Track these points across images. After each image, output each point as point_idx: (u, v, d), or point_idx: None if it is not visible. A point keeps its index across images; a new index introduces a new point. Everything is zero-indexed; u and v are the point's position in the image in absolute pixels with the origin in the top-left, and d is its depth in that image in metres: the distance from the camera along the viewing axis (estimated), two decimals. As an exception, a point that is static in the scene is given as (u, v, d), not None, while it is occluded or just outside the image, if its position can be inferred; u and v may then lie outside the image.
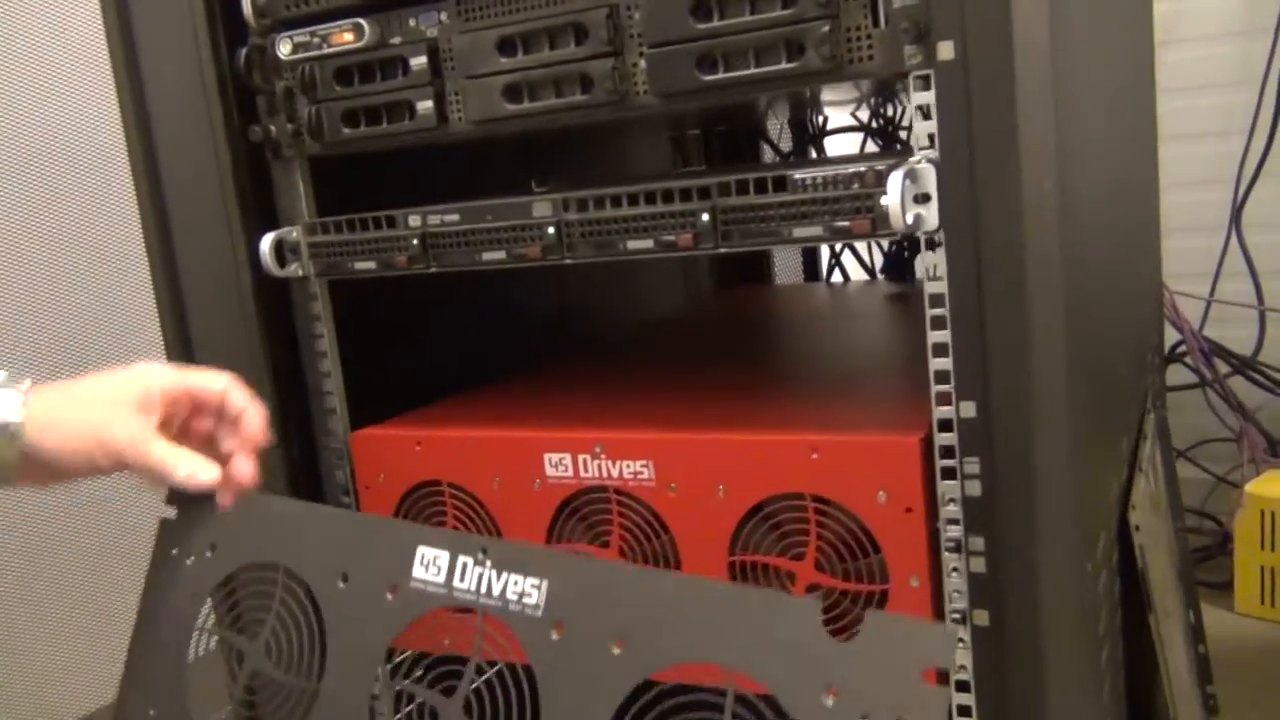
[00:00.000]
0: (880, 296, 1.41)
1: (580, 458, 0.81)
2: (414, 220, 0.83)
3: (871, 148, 1.52)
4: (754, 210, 0.70)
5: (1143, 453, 1.04)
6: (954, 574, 0.70)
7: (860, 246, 1.68)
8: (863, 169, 0.67)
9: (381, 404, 0.93)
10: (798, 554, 0.75)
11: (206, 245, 0.89)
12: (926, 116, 0.65)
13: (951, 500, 0.69)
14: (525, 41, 0.76)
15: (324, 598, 0.70)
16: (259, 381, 0.85)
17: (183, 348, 0.91)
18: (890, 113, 1.46)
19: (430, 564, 0.67)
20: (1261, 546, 1.49)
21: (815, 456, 0.73)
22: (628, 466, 0.79)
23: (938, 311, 0.67)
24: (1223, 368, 1.70)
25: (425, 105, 0.80)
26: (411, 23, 0.80)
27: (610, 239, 0.75)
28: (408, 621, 0.68)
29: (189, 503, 0.74)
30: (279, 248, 0.87)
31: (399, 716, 0.87)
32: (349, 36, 0.81)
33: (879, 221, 0.66)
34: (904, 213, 0.64)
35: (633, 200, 0.74)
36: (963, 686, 0.71)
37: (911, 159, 0.65)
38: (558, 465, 0.82)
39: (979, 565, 0.68)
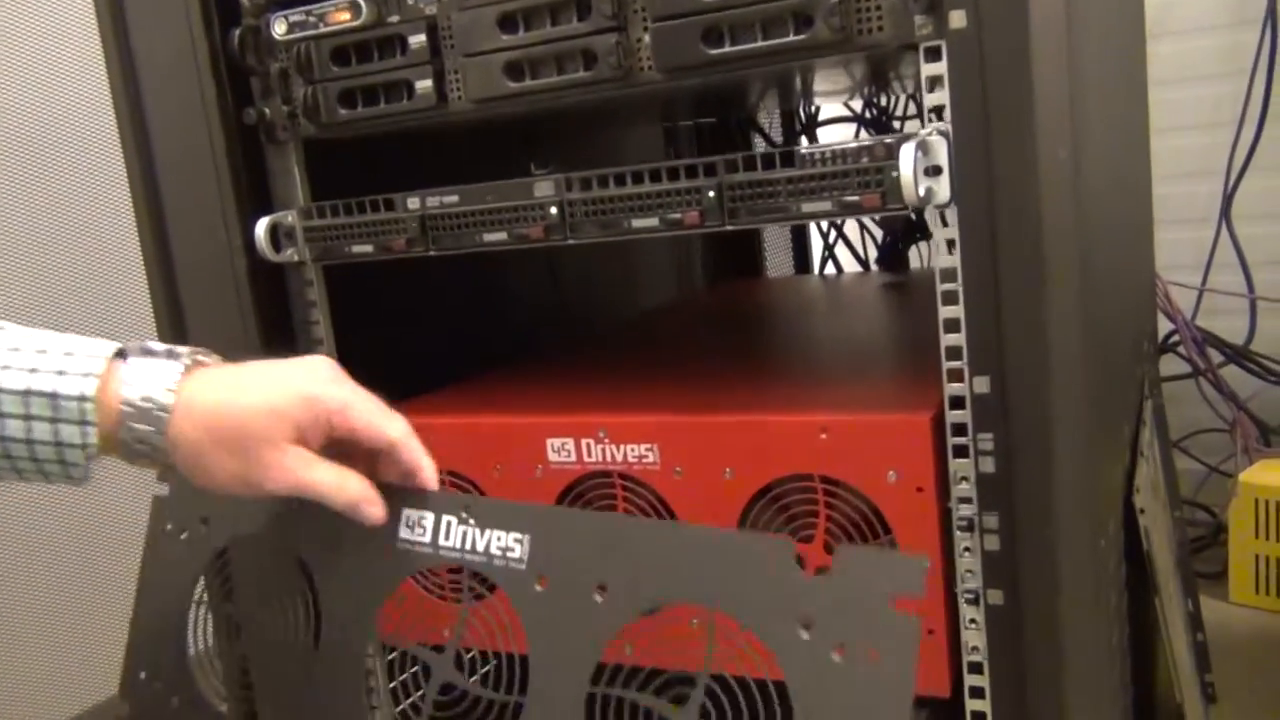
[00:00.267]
0: (877, 285, 1.41)
1: (584, 442, 0.80)
2: (413, 203, 0.81)
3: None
4: (761, 186, 0.69)
5: (1143, 438, 1.03)
6: (966, 553, 0.69)
7: (855, 238, 1.68)
8: (871, 143, 0.66)
9: (377, 392, 0.92)
10: (806, 536, 0.74)
11: (200, 230, 0.87)
12: (935, 88, 0.64)
13: (964, 479, 0.68)
14: (526, 17, 0.75)
15: (315, 565, 0.72)
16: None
17: (176, 334, 0.89)
18: (884, 102, 1.46)
19: (415, 525, 0.69)
20: (1256, 535, 1.48)
21: (824, 437, 0.72)
22: (632, 450, 0.78)
23: (949, 286, 0.66)
24: (1215, 358, 1.70)
25: (424, 84, 0.78)
26: (410, 0, 0.78)
27: (614, 218, 0.74)
28: (397, 582, 0.72)
29: (181, 479, 0.73)
30: (274, 232, 0.86)
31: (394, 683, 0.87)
32: (345, 15, 0.80)
33: (889, 195, 0.65)
34: (916, 185, 0.63)
35: (637, 178, 0.73)
36: (975, 668, 0.70)
37: (923, 131, 0.64)
38: (560, 450, 0.81)
39: (993, 543, 0.67)
